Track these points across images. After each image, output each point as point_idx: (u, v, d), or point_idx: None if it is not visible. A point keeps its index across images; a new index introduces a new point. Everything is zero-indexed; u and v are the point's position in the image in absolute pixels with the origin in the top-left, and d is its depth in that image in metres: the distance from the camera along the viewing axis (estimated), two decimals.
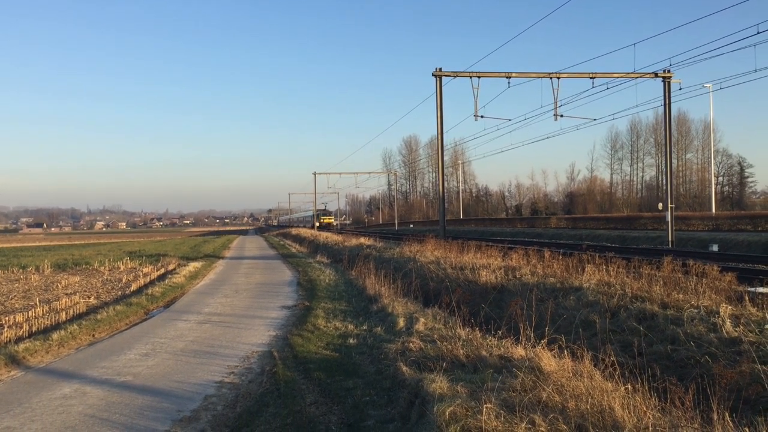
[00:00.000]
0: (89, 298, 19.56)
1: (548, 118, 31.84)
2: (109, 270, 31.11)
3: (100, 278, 26.52)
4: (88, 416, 7.85)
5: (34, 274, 29.20)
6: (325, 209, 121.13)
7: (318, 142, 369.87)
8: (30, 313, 16.03)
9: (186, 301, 19.38)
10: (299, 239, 63.25)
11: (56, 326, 14.59)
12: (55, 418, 7.84)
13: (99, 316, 15.60)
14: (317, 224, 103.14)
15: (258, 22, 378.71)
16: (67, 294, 20.49)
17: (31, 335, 13.59)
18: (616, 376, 6.37)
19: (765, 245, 29.92)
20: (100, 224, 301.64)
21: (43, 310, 16.54)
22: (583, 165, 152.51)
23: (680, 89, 39.99)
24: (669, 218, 32.56)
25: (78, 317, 15.96)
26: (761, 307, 9.34)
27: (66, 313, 16.22)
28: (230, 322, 14.97)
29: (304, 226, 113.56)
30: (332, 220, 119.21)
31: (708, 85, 39.60)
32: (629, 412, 5.46)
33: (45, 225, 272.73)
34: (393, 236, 52.57)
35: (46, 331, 13.85)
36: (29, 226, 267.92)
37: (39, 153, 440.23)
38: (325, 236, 55.36)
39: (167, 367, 10.51)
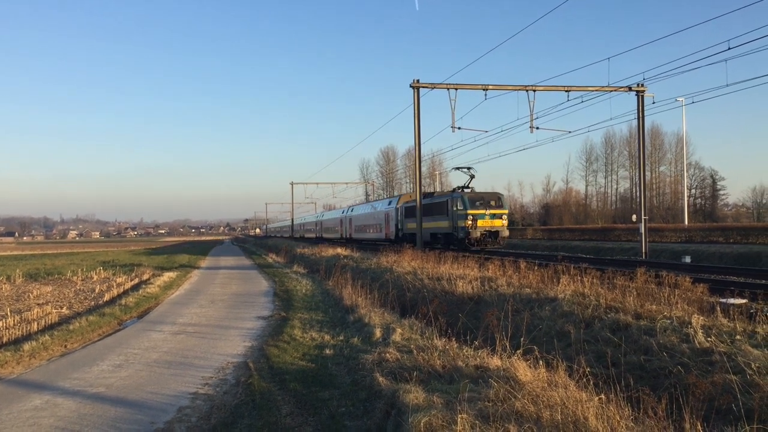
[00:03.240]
0: (62, 308, 19.26)
1: (524, 130, 32.02)
2: (82, 280, 30.66)
3: (73, 288, 26.14)
4: (60, 428, 7.72)
5: (5, 283, 28.67)
6: (485, 193, 36.19)
7: (295, 153, 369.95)
8: (0, 323, 15.74)
9: (160, 312, 19.16)
10: (276, 249, 63.02)
11: (28, 337, 14.36)
12: (25, 430, 7.70)
13: (71, 327, 15.40)
14: (459, 230, 33.67)
15: (235, 32, 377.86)
16: (39, 304, 20.16)
17: (1, 346, 13.34)
18: (591, 386, 6.44)
19: (736, 257, 30.39)
20: (73, 233, 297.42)
21: (14, 321, 16.25)
22: (558, 177, 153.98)
23: (654, 103, 40.23)
24: (642, 230, 32.96)
25: (50, 328, 15.72)
26: (732, 318, 9.47)
27: (38, 324, 15.96)
28: (205, 333, 14.83)
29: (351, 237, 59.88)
30: (505, 225, 34.38)
31: (681, 99, 40.11)
32: (603, 422, 5.51)
33: (17, 234, 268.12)
34: (370, 246, 52.53)
35: (17, 342, 13.62)
36: (0, 234, 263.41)
37: (11, 161, 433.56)
38: (301, 246, 55.18)
39: (141, 378, 10.38)
